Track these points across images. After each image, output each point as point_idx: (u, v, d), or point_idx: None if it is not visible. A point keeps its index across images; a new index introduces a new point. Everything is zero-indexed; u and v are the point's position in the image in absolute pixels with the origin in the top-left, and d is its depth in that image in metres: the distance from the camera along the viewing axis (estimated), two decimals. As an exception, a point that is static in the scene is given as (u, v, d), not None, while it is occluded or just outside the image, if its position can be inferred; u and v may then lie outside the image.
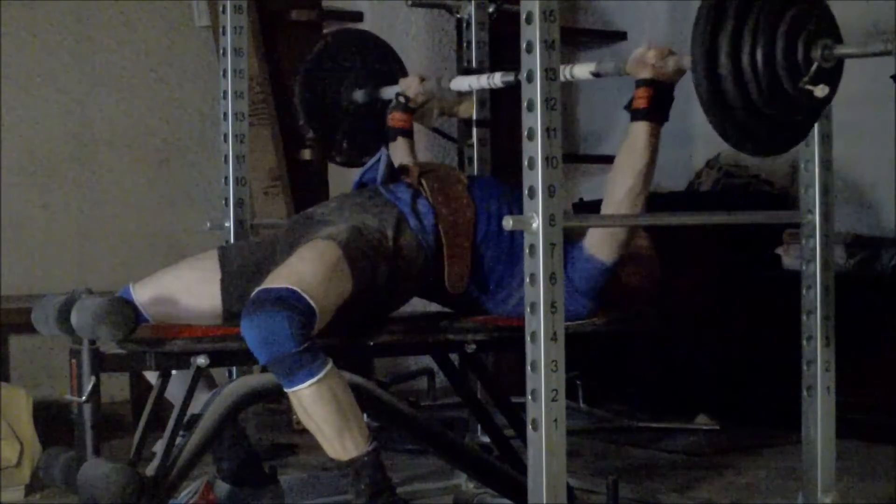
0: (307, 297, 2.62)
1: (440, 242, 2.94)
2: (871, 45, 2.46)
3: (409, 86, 3.38)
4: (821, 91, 2.42)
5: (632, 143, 2.78)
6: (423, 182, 3.02)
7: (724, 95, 2.39)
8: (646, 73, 2.75)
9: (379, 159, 3.12)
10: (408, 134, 3.39)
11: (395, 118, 3.40)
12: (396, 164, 3.21)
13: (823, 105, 2.52)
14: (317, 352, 2.61)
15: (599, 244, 2.89)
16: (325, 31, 5.25)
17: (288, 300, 2.61)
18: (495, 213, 2.96)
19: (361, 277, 2.79)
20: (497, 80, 3.19)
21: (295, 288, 2.63)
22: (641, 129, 2.77)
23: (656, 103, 2.75)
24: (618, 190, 2.80)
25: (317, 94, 3.49)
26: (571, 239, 2.92)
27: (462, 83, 3.35)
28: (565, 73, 2.90)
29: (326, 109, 3.51)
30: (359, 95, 3.49)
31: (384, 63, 3.56)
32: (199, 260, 3.01)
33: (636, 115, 2.77)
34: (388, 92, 3.45)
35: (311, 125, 3.51)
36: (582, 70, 2.91)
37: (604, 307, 2.97)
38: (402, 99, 3.38)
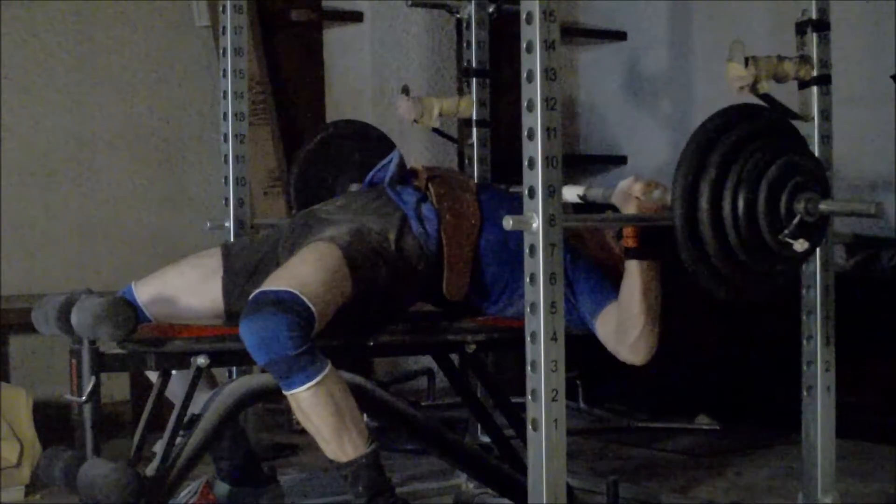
0: (306, 300, 2.62)
1: (442, 249, 2.93)
2: (855, 202, 2.46)
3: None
4: (800, 246, 2.38)
5: (632, 284, 2.72)
6: (431, 187, 3.01)
7: (701, 240, 2.35)
8: (631, 208, 2.69)
9: (391, 160, 3.11)
10: None
11: None
12: None
13: (804, 257, 2.48)
14: (315, 354, 2.61)
15: (609, 344, 2.84)
16: (325, 50, 5.25)
17: (287, 303, 2.60)
18: (501, 224, 2.95)
19: (361, 280, 2.78)
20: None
21: (294, 291, 2.63)
22: (636, 268, 2.71)
23: (645, 241, 2.69)
24: (629, 335, 2.76)
25: (312, 185, 3.41)
26: (583, 264, 2.90)
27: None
28: None
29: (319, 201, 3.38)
30: (354, 189, 3.36)
31: (377, 151, 3.42)
32: (201, 257, 3.01)
33: (628, 254, 2.72)
34: None
35: None
36: (570, 193, 2.82)
37: None
38: None
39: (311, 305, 2.62)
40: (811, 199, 2.40)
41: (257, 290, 2.67)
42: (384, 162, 3.12)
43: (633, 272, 2.71)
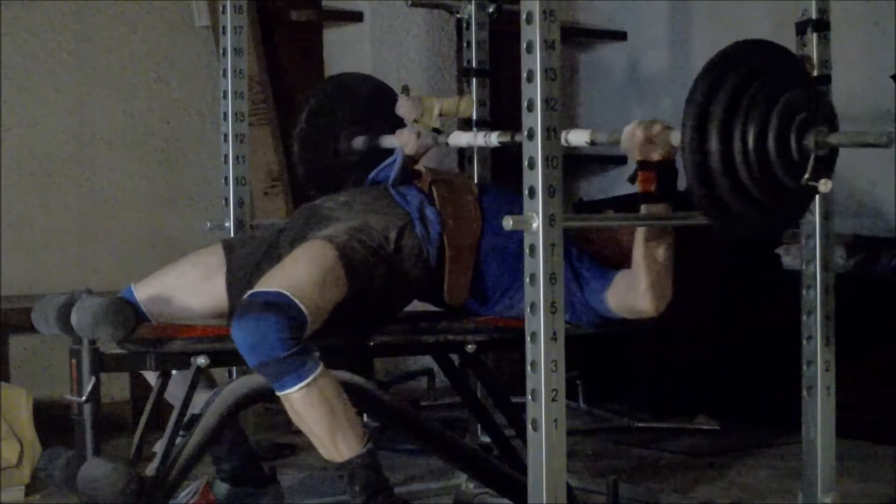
0: (297, 302, 2.62)
1: (443, 253, 2.93)
2: (865, 134, 2.42)
3: (406, 143, 3.30)
4: (824, 187, 2.39)
5: (647, 229, 2.74)
6: (434, 189, 3.01)
7: (712, 180, 2.36)
8: (640, 154, 2.69)
9: (395, 160, 3.11)
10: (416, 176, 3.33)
11: None
12: None
13: (815, 192, 2.48)
14: (307, 355, 2.61)
15: (623, 309, 2.85)
16: (325, 50, 5.24)
17: (278, 304, 2.60)
18: (502, 227, 2.94)
19: (357, 280, 2.78)
20: (493, 139, 3.14)
21: (285, 292, 2.63)
22: (653, 212, 2.71)
23: (660, 185, 2.69)
24: (642, 281, 2.77)
25: (317, 159, 3.39)
26: (587, 257, 2.91)
27: (460, 139, 3.31)
28: (562, 138, 2.87)
29: (330, 170, 3.39)
30: (358, 143, 3.38)
31: (379, 102, 3.43)
32: (201, 255, 3.00)
33: (643, 199, 2.71)
34: (387, 141, 3.39)
35: (322, 192, 3.31)
36: (578, 137, 2.85)
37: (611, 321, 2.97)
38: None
39: (302, 307, 2.62)
40: (820, 133, 2.39)
41: (250, 292, 2.67)
42: (387, 162, 3.12)
43: (651, 215, 2.72)
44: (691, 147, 2.34)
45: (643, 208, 2.71)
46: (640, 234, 2.75)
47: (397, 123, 3.33)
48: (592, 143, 2.84)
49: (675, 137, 2.60)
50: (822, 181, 2.38)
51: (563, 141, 2.84)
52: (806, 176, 2.37)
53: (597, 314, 2.90)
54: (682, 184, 2.55)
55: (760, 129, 2.35)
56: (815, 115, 2.41)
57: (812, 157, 2.38)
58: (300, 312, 2.62)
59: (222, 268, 2.95)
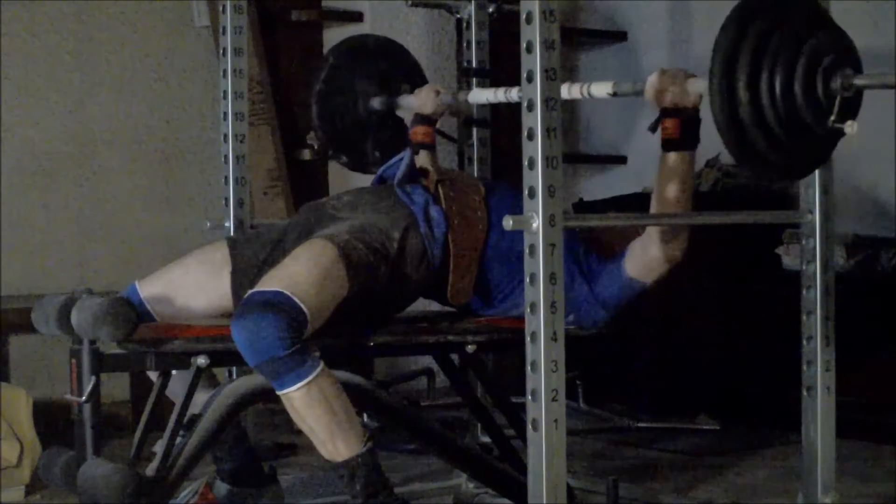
0: (297, 300, 2.62)
1: (447, 253, 2.93)
2: (890, 76, 2.46)
3: (425, 102, 3.31)
4: (850, 129, 2.42)
5: (669, 174, 2.78)
6: (441, 189, 3.00)
7: (743, 128, 2.38)
8: (665, 102, 2.73)
9: (402, 158, 3.11)
10: (431, 147, 3.34)
11: (416, 133, 3.33)
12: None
13: (841, 135, 2.51)
14: (306, 354, 2.61)
15: (646, 270, 2.89)
16: (325, 50, 5.24)
17: (277, 304, 2.60)
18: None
19: (358, 279, 2.77)
20: (514, 94, 3.14)
21: (285, 291, 2.62)
22: (676, 160, 2.76)
23: (685, 132, 2.74)
24: (658, 229, 2.83)
25: (335, 118, 3.43)
26: (595, 254, 2.92)
27: (480, 96, 3.32)
28: (583, 90, 2.90)
29: (349, 129, 3.45)
30: (377, 103, 3.43)
31: (392, 60, 3.51)
32: (206, 253, 2.99)
33: (667, 145, 2.76)
34: (405, 101, 3.41)
35: (341, 151, 3.45)
36: (600, 89, 2.88)
37: (619, 320, 2.97)
38: (419, 115, 3.34)
39: (301, 305, 2.62)
40: (846, 76, 2.43)
41: (249, 291, 2.67)
42: (394, 160, 3.12)
43: (672, 163, 2.77)
44: (720, 91, 2.36)
45: (669, 157, 2.76)
46: (674, 177, 2.78)
47: (415, 84, 3.36)
48: (615, 94, 2.88)
49: (700, 85, 2.67)
50: (848, 123, 2.42)
51: (585, 93, 2.88)
52: (832, 118, 2.41)
53: (615, 292, 2.90)
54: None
55: (787, 72, 2.38)
56: (841, 59, 2.44)
57: (838, 99, 2.42)
58: (300, 311, 2.62)
59: (227, 266, 2.94)
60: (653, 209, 2.84)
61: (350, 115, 3.44)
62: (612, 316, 2.94)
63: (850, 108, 2.46)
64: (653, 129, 2.77)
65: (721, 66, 2.36)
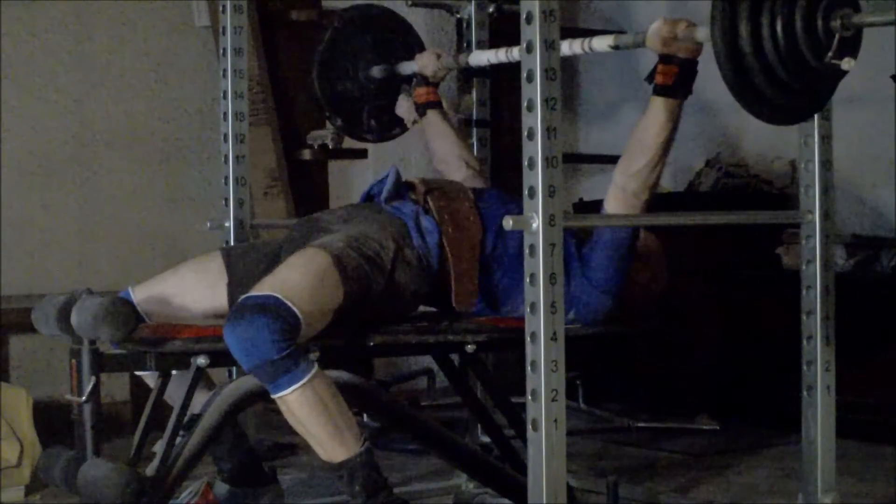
0: (290, 304, 2.61)
1: (444, 261, 2.93)
2: (890, 12, 2.45)
3: (426, 65, 3.38)
4: (847, 64, 2.44)
5: (654, 117, 2.79)
6: (430, 200, 3.00)
7: (743, 63, 2.41)
8: (666, 49, 2.75)
9: (388, 175, 3.11)
10: (437, 105, 3.40)
11: (420, 94, 3.41)
12: (435, 140, 3.34)
13: (843, 74, 2.53)
14: (300, 357, 2.61)
15: (620, 201, 2.89)
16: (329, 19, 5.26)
17: (269, 307, 2.60)
18: (503, 229, 2.94)
19: (353, 287, 2.76)
20: (515, 54, 3.13)
21: (277, 295, 2.62)
22: (665, 104, 2.77)
23: (680, 79, 2.76)
24: (636, 162, 2.81)
25: (335, 81, 3.50)
26: (583, 241, 2.92)
27: (480, 58, 3.34)
28: (584, 46, 2.90)
29: (348, 94, 3.51)
30: (377, 72, 3.50)
31: (394, 32, 3.55)
32: (201, 263, 3.00)
33: (659, 90, 2.78)
34: (405, 67, 3.45)
35: (337, 114, 3.53)
36: (601, 43, 2.90)
37: (620, 307, 2.96)
38: (421, 78, 3.40)
39: (294, 309, 2.61)
40: (846, 15, 2.44)
41: (243, 296, 2.67)
42: (381, 176, 3.12)
43: (659, 108, 2.78)
44: (722, 30, 2.39)
45: (658, 101, 2.77)
46: (656, 121, 2.78)
47: (416, 54, 3.43)
48: (616, 47, 2.89)
49: (701, 34, 2.68)
50: (845, 59, 2.44)
51: (586, 48, 2.88)
52: (830, 54, 2.43)
53: (600, 261, 2.90)
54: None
55: (788, 11, 2.41)
56: None
57: (837, 37, 2.43)
58: (293, 315, 2.61)
59: (223, 277, 2.95)
60: (628, 150, 2.83)
61: (350, 80, 3.51)
62: (614, 298, 2.92)
63: (850, 47, 2.48)
64: (649, 78, 2.79)
65: (723, 2, 2.39)
